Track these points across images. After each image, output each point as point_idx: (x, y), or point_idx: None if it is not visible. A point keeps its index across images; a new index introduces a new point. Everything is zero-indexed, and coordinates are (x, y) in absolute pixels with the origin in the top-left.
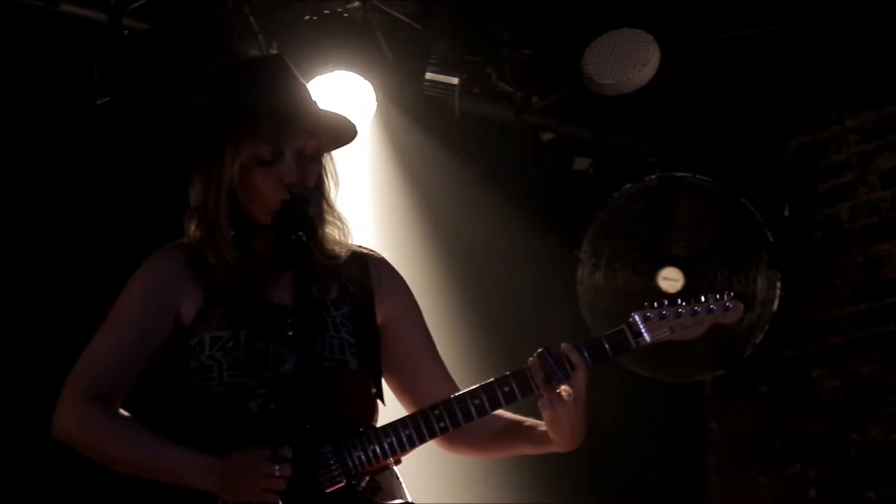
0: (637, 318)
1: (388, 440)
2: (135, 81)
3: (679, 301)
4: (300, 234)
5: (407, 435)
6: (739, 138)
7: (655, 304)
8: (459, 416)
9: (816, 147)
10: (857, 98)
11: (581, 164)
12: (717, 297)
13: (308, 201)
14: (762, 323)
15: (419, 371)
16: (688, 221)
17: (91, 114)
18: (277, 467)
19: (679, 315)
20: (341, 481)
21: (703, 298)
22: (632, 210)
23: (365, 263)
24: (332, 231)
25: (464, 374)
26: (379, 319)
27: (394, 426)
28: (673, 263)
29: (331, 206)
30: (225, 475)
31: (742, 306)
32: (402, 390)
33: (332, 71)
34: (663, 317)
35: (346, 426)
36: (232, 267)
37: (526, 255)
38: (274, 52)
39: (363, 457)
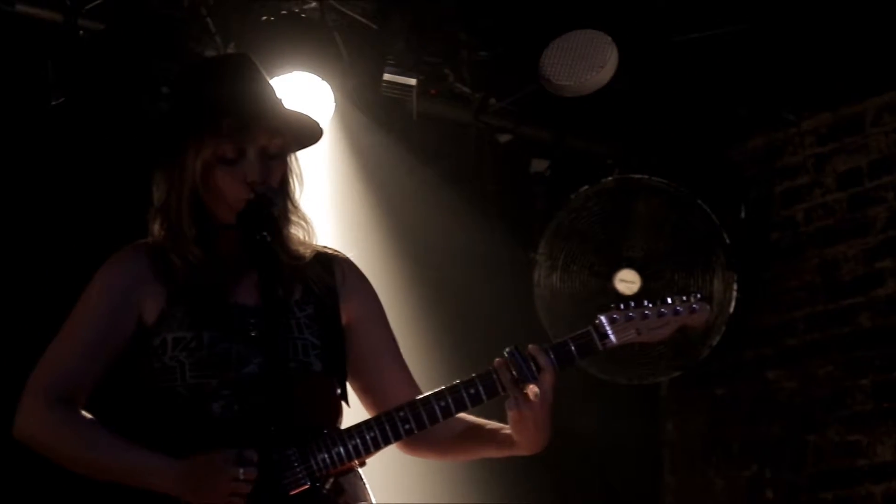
0: (603, 319)
1: (353, 442)
2: (90, 82)
3: (645, 303)
4: (264, 234)
5: (371, 437)
6: (696, 140)
7: (622, 306)
8: (424, 417)
9: (772, 149)
10: (813, 99)
11: (538, 165)
12: (684, 298)
13: (272, 201)
14: (719, 325)
15: (382, 373)
16: (645, 223)
17: (46, 115)
18: (242, 470)
19: (646, 317)
20: (305, 484)
21: (669, 300)
22: (588, 212)
23: (329, 264)
24: (296, 231)
25: (419, 374)
26: (343, 320)
27: (358, 428)
28: (630, 265)
29: (295, 207)
30: (188, 478)
31: (709, 308)
32: (365, 392)
33: (290, 72)
34: (629, 318)
35: (310, 428)
36: (195, 267)
37: (483, 257)
38: (231, 52)
39: (327, 459)
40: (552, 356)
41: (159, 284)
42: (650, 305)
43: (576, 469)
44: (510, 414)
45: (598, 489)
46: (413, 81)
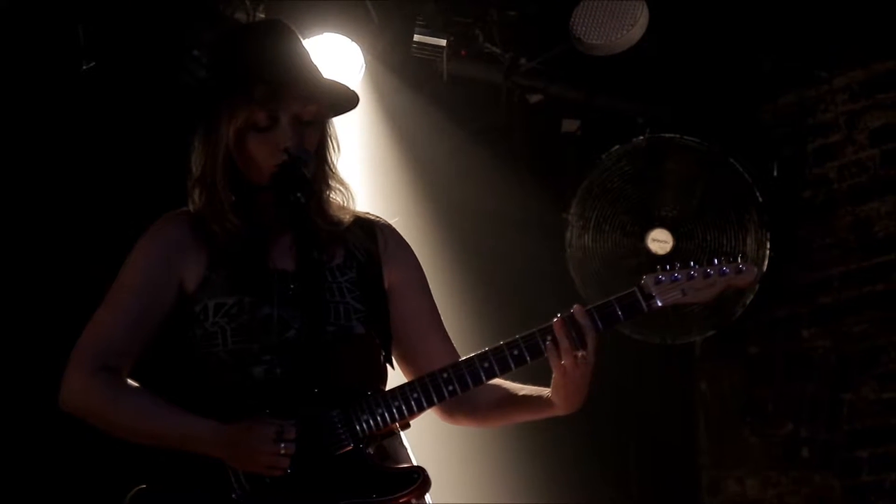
0: (648, 279)
1: (396, 403)
2: (121, 47)
3: (691, 263)
4: (298, 195)
5: (415, 398)
6: (727, 99)
7: (668, 266)
8: (468, 378)
9: (804, 106)
10: (845, 56)
11: (569, 125)
12: (731, 259)
13: (305, 162)
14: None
15: (422, 339)
16: (676, 182)
17: (77, 80)
18: (283, 445)
19: (691, 277)
20: (349, 445)
21: (715, 261)
22: (620, 171)
23: (371, 229)
24: (335, 197)
25: (451, 335)
26: (385, 285)
27: (402, 389)
28: (662, 225)
29: (333, 172)
30: (230, 446)
31: (755, 270)
32: (405, 358)
33: (321, 33)
34: (675, 279)
35: (353, 390)
36: (233, 233)
37: (514, 217)
38: (261, 15)
39: (371, 421)
40: (597, 317)
41: (199, 252)
42: (696, 266)
43: (611, 429)
44: (555, 375)
45: (634, 449)
46: (443, 42)
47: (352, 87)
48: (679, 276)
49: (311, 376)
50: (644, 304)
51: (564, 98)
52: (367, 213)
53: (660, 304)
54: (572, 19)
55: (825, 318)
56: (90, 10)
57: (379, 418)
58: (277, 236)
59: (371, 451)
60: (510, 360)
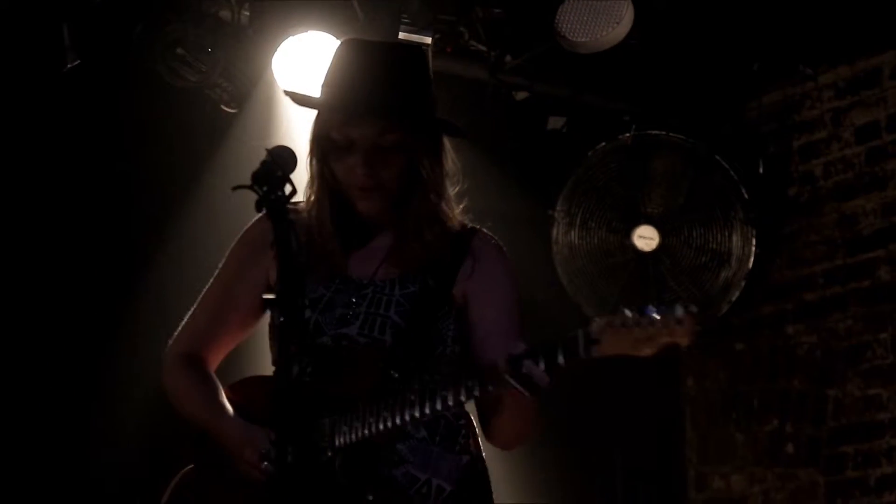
0: (597, 324)
1: (371, 420)
2: (105, 45)
3: (641, 310)
4: (279, 193)
5: (383, 417)
6: (713, 96)
7: (626, 312)
8: (427, 406)
9: (790, 103)
10: (830, 53)
11: (555, 122)
12: (668, 309)
13: (286, 160)
14: (738, 280)
15: (482, 356)
16: (663, 179)
17: (62, 78)
18: (265, 464)
19: (634, 325)
20: (325, 455)
21: (662, 314)
22: (606, 168)
23: (467, 241)
24: (435, 225)
25: None
26: (459, 297)
27: (379, 406)
28: (648, 222)
29: (430, 201)
30: (233, 449)
31: (691, 323)
32: None
33: (305, 31)
34: (621, 329)
35: (349, 399)
36: (323, 237)
37: (500, 215)
38: (246, 13)
39: (350, 434)
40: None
41: None
42: (640, 316)
43: (596, 426)
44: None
45: (620, 446)
46: (428, 40)
47: (429, 113)
48: (624, 329)
49: (326, 382)
50: (583, 350)
51: (550, 95)
52: (470, 226)
53: (595, 355)
54: (557, 17)
55: (810, 315)
56: (74, 9)
57: (355, 433)
58: (370, 244)
59: (339, 464)
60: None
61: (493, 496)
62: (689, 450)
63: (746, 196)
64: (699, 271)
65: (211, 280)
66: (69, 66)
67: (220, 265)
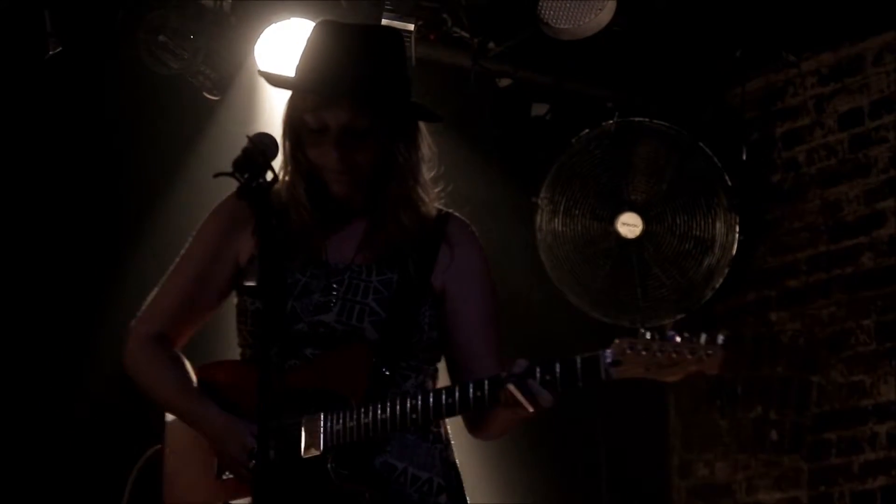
0: (619, 346)
1: (366, 420)
2: (87, 32)
3: (667, 335)
4: (260, 180)
5: (382, 419)
6: (696, 82)
7: (639, 334)
8: (430, 411)
9: (773, 90)
10: (813, 40)
11: (538, 109)
12: (700, 341)
13: (267, 146)
14: (721, 267)
15: (461, 349)
16: (646, 166)
17: (43, 66)
18: (252, 462)
19: (659, 352)
20: (315, 452)
21: (686, 341)
22: (590, 156)
23: (440, 226)
24: (409, 209)
25: None
26: (437, 288)
27: (375, 407)
28: (632, 209)
29: (406, 184)
30: (215, 439)
31: (721, 355)
32: (448, 367)
33: (287, 18)
34: (642, 354)
35: (340, 395)
36: (301, 221)
37: (484, 202)
38: (229, 2)
39: (341, 432)
40: (558, 383)
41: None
42: (666, 341)
43: (580, 412)
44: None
45: (603, 432)
46: (411, 26)
47: (404, 97)
48: (646, 352)
49: (306, 373)
50: (604, 373)
51: (534, 82)
52: (441, 210)
53: (615, 377)
54: (540, 4)
55: (794, 302)
56: None
57: (348, 432)
58: (346, 228)
59: (333, 462)
60: (471, 400)
61: (478, 484)
62: (673, 437)
63: (730, 183)
64: (683, 258)
65: (178, 258)
66: (51, 53)
67: (190, 243)
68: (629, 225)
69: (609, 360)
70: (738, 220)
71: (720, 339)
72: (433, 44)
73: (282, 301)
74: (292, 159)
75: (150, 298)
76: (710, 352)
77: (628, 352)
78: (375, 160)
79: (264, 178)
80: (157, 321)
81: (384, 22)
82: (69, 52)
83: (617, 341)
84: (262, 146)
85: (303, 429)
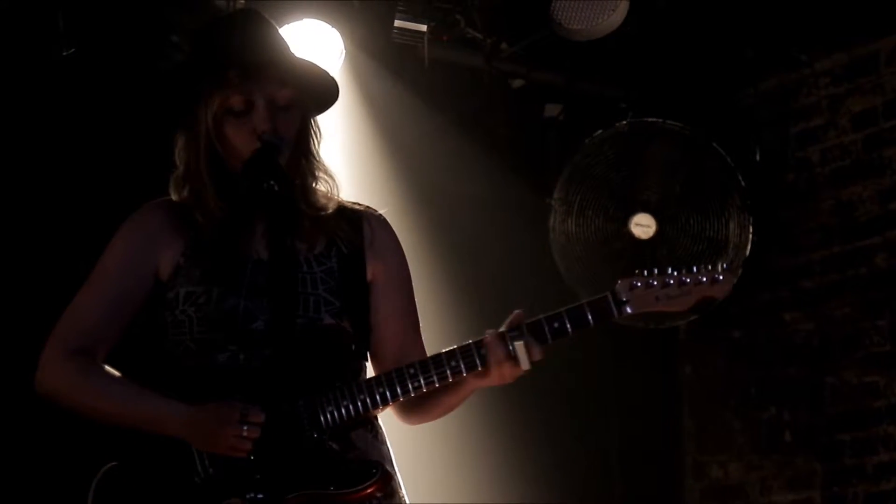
0: (620, 285)
1: (362, 397)
2: (101, 33)
3: (669, 270)
4: (271, 182)
5: (381, 392)
6: (710, 82)
7: (645, 273)
8: (434, 376)
9: (786, 90)
10: (827, 40)
11: (552, 110)
12: (708, 268)
13: (279, 149)
14: (735, 268)
15: (393, 338)
16: (659, 167)
17: (57, 65)
18: (245, 428)
19: (666, 285)
20: (312, 435)
21: (694, 269)
22: (603, 156)
23: (359, 220)
24: (319, 186)
25: (432, 320)
26: (368, 278)
27: (368, 383)
28: (645, 209)
29: (316, 161)
30: (196, 426)
31: (733, 279)
32: (375, 354)
33: (300, 19)
34: (650, 286)
35: (321, 382)
36: (214, 222)
37: (498, 203)
38: (241, 1)
39: (336, 413)
40: (547, 332)
41: (177, 239)
42: (672, 272)
43: (595, 414)
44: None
45: (618, 434)
46: (424, 27)
47: (329, 72)
48: (654, 283)
49: (278, 366)
50: (615, 309)
51: (547, 83)
52: (356, 204)
53: (630, 310)
54: (553, 4)
55: (807, 302)
56: None
57: (344, 410)
58: (260, 224)
59: (334, 443)
60: (477, 360)
61: (492, 485)
62: (687, 438)
63: (743, 183)
64: (696, 259)
65: (93, 272)
66: (64, 53)
67: (105, 256)
68: (642, 226)
69: (622, 298)
70: (751, 221)
71: (723, 265)
72: (446, 44)
73: (293, 303)
74: (202, 162)
75: (65, 315)
76: (718, 276)
77: (637, 285)
78: (298, 134)
79: (276, 179)
80: (80, 339)
81: (397, 24)
82: (81, 52)
83: (620, 281)
84: (272, 147)
85: (300, 412)
